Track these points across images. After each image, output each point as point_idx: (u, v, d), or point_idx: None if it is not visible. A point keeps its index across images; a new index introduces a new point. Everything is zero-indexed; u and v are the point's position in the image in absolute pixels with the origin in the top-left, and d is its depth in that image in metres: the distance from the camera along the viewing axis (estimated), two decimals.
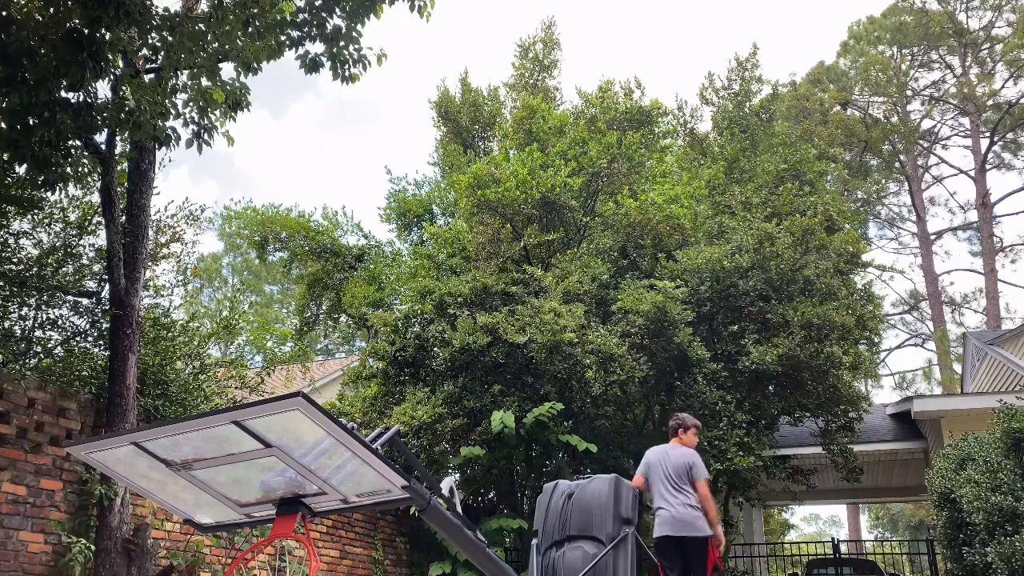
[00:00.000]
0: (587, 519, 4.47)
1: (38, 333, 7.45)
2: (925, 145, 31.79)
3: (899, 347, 33.08)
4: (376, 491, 2.53)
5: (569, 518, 4.55)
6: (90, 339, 7.70)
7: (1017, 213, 39.39)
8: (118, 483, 6.47)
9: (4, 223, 7.13)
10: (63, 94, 5.71)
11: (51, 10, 5.55)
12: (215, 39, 6.11)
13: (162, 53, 6.23)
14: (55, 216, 7.56)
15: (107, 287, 7.28)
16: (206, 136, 6.62)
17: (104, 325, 7.43)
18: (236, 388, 8.96)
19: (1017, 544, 6.86)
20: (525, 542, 10.73)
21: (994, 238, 29.31)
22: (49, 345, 7.53)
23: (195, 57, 6.12)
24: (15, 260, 7.25)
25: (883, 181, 32.71)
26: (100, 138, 7.07)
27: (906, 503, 29.49)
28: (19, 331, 7.30)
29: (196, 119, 6.55)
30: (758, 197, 13.11)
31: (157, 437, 2.30)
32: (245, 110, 6.69)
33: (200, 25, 6.03)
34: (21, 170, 6.37)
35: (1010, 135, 29.68)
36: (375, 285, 14.68)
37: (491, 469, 11.22)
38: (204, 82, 6.43)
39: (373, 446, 2.37)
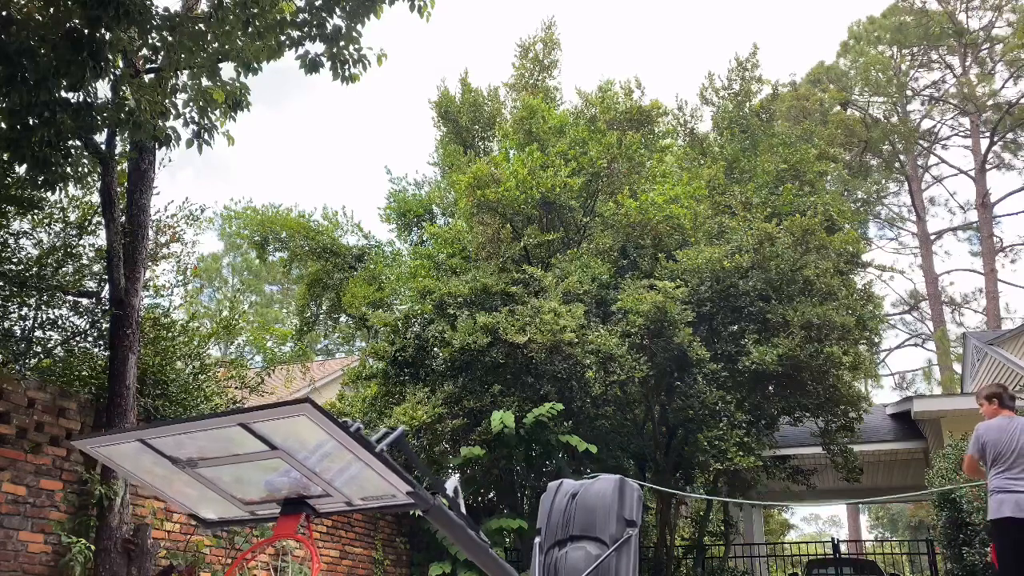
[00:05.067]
0: (590, 519, 4.46)
1: (38, 333, 7.45)
2: (925, 145, 31.81)
3: (899, 347, 33.14)
4: (381, 495, 2.54)
5: (572, 518, 4.54)
6: (90, 339, 7.69)
7: (1017, 213, 39.53)
8: (122, 478, 6.47)
9: (4, 223, 7.13)
10: (63, 94, 5.70)
11: (51, 10, 5.55)
12: (215, 39, 6.11)
13: (162, 53, 6.23)
14: (55, 216, 7.55)
15: (107, 287, 7.27)
16: (206, 136, 6.61)
17: (104, 325, 7.43)
18: (236, 388, 8.96)
19: None
20: (525, 542, 10.73)
21: (994, 238, 29.34)
22: (49, 345, 7.53)
23: (195, 57, 6.11)
24: (15, 260, 7.25)
25: (883, 181, 32.74)
26: (100, 138, 7.07)
27: (906, 503, 29.49)
28: (19, 331, 7.30)
29: (196, 119, 6.55)
30: (758, 197, 13.10)
31: (163, 435, 2.30)
32: (245, 110, 6.69)
33: (200, 25, 6.02)
34: (21, 170, 6.36)
35: (1010, 135, 29.70)
36: (375, 285, 14.66)
37: (491, 469, 11.21)
38: (204, 82, 6.42)
39: (378, 447, 2.37)
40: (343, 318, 15.96)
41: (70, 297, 7.56)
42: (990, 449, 5.83)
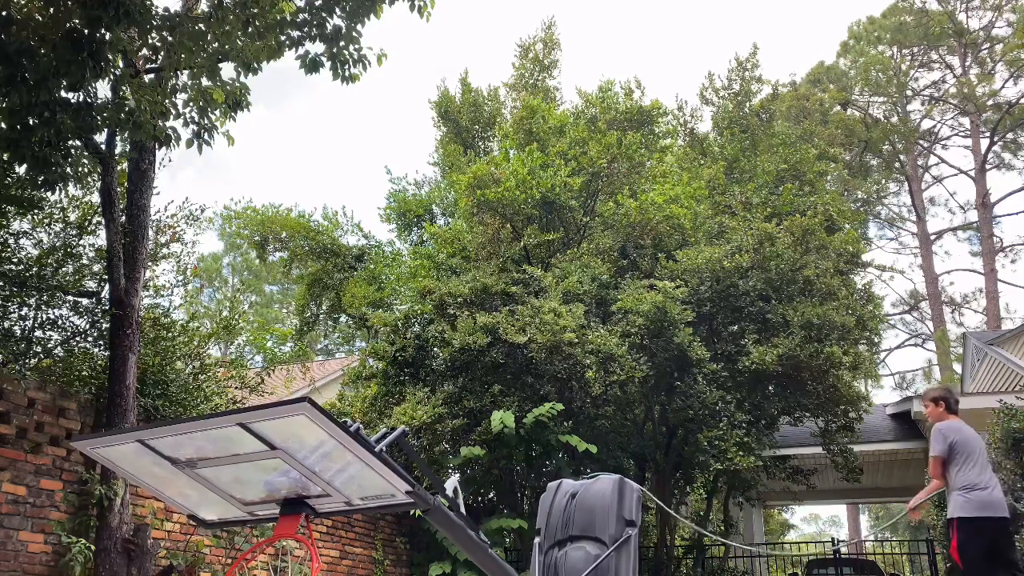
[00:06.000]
0: (590, 519, 4.46)
1: (38, 333, 7.44)
2: (925, 145, 31.79)
3: (899, 347, 33.12)
4: (380, 495, 2.55)
5: (572, 518, 4.54)
6: (90, 339, 7.69)
7: (1017, 213, 39.63)
8: (121, 479, 6.48)
9: (4, 223, 7.13)
10: (63, 94, 5.71)
11: (51, 10, 5.55)
12: (215, 39, 6.11)
13: (162, 53, 6.23)
14: (55, 216, 7.55)
15: (107, 287, 7.27)
16: (206, 136, 6.61)
17: (104, 325, 7.43)
18: (236, 388, 8.95)
19: (1018, 544, 6.85)
20: (525, 542, 10.73)
21: (994, 238, 29.31)
22: (49, 345, 7.52)
23: (195, 57, 6.11)
24: (15, 260, 7.25)
25: (883, 181, 32.72)
26: (100, 138, 7.07)
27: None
28: (19, 331, 7.29)
29: (196, 119, 6.55)
30: (758, 197, 13.10)
31: (163, 436, 2.30)
32: (245, 110, 6.69)
33: (200, 25, 6.02)
34: (21, 170, 6.37)
35: (1010, 135, 29.68)
36: (375, 285, 14.66)
37: (491, 469, 11.21)
38: (204, 82, 6.42)
39: (377, 448, 2.37)
40: (343, 318, 15.97)
41: (70, 297, 7.55)
42: (960, 448, 5.81)
